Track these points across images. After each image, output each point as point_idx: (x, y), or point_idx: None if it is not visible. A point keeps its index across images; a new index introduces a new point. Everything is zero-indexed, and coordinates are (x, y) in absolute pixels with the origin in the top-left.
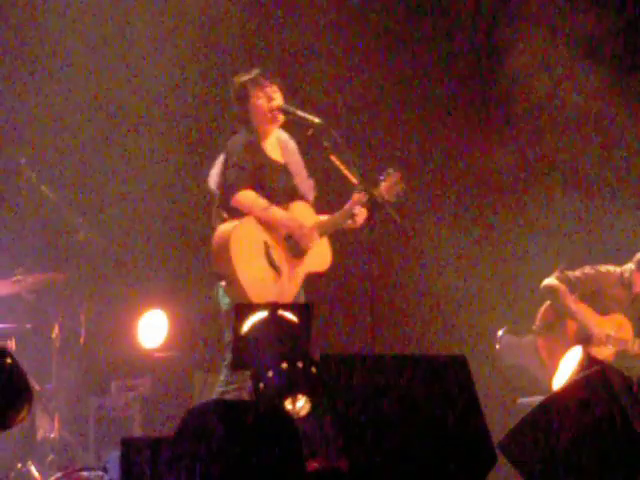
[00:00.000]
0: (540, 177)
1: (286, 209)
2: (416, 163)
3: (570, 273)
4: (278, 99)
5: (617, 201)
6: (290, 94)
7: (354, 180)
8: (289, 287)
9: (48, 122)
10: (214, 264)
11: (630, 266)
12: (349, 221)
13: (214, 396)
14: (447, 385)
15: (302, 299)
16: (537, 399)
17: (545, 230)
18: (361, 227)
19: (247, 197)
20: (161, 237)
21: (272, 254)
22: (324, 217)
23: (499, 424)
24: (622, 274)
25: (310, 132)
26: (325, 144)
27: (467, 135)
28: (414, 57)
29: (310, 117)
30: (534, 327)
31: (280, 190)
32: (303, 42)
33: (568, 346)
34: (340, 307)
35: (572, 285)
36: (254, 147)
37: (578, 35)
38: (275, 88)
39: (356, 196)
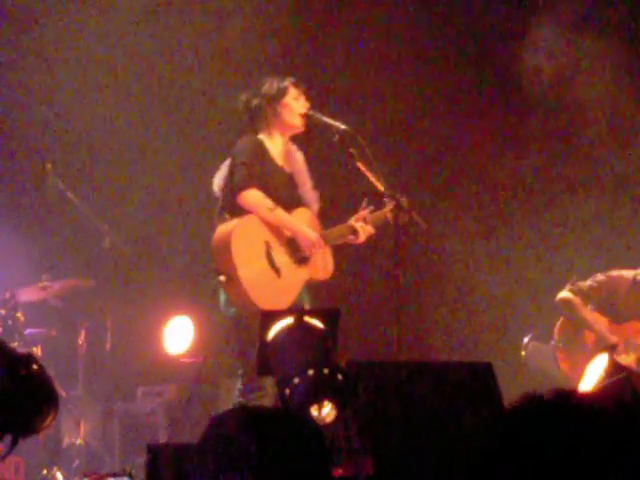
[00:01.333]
0: (568, 183)
1: (290, 214)
2: (443, 170)
3: (582, 283)
4: (307, 107)
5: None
6: (316, 103)
7: (379, 187)
8: (288, 290)
9: (74, 129)
10: (215, 261)
11: None
12: (350, 236)
13: (235, 402)
14: (473, 392)
15: (306, 306)
16: None
17: (572, 237)
18: (361, 244)
19: (254, 196)
20: (187, 243)
21: (273, 255)
22: (327, 230)
23: None
24: (635, 278)
25: (336, 138)
26: (351, 151)
27: (493, 141)
28: (433, 63)
29: (336, 124)
30: (552, 342)
31: (284, 197)
32: (323, 49)
33: (588, 358)
34: (366, 314)
35: (585, 295)
36: (262, 150)
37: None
38: (306, 97)
39: (354, 224)
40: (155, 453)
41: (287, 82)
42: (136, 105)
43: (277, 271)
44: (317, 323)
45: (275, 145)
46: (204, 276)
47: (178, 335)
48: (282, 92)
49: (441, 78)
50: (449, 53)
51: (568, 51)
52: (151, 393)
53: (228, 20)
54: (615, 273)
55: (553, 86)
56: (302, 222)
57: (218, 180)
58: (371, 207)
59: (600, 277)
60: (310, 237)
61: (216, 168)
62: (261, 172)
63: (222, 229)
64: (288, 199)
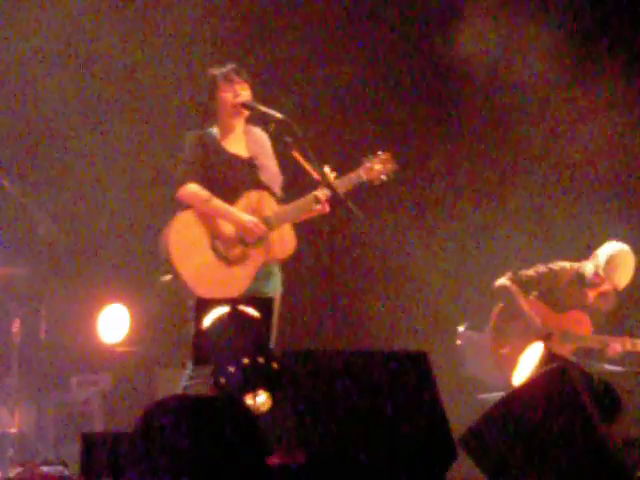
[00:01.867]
0: (503, 176)
1: (241, 198)
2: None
3: (522, 273)
4: (246, 96)
5: (576, 199)
6: (259, 93)
7: (316, 175)
8: (241, 277)
9: (7, 115)
10: (162, 261)
11: (590, 266)
12: (317, 207)
13: (179, 391)
14: (408, 381)
15: (278, 289)
16: (498, 395)
17: (506, 228)
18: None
19: (189, 190)
20: (122, 231)
21: (218, 245)
22: (282, 207)
23: (460, 420)
24: (578, 271)
25: (272, 127)
26: (287, 140)
27: (427, 130)
28: (366, 51)
29: (273, 113)
30: (487, 330)
31: (236, 183)
32: (275, 42)
33: (522, 347)
34: (301, 303)
35: (524, 285)
36: (206, 141)
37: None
38: (245, 86)
39: (317, 193)
40: (89, 442)
41: (216, 74)
42: (73, 89)
43: (225, 260)
44: (252, 312)
45: (229, 133)
46: (140, 264)
47: (113, 324)
48: (213, 85)
49: (374, 65)
50: (382, 39)
51: (501, 35)
52: (86, 382)
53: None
54: (557, 266)
55: (487, 71)
56: (249, 206)
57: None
58: (333, 173)
59: (542, 269)
60: (246, 224)
61: (151, 153)
62: (205, 162)
63: (164, 230)
64: (246, 183)
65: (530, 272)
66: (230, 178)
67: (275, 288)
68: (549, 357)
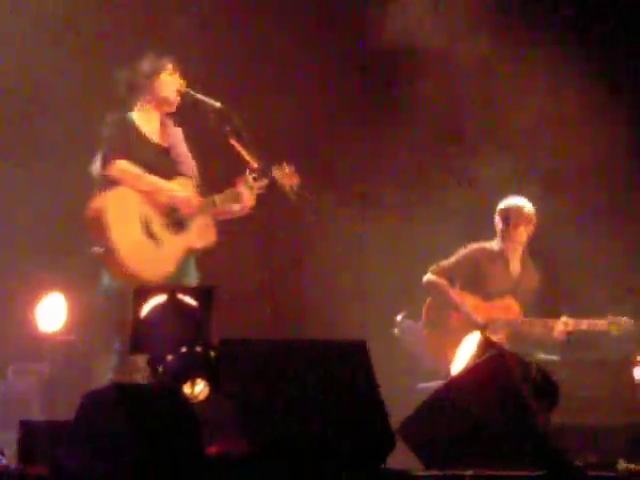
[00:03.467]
0: (446, 164)
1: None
2: (313, 152)
3: (444, 263)
4: (182, 85)
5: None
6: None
7: (254, 163)
8: (168, 258)
9: None
10: (90, 234)
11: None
12: (236, 207)
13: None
14: (347, 370)
15: (194, 276)
16: (436, 384)
17: (445, 214)
18: (248, 215)
19: (120, 165)
20: (60, 218)
21: (150, 223)
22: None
23: (399, 409)
24: (495, 247)
25: (211, 116)
26: (226, 128)
27: (371, 120)
28: (301, 38)
29: (211, 101)
30: (420, 323)
31: (159, 171)
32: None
33: (454, 338)
34: (239, 292)
35: (449, 274)
36: (127, 125)
37: None
38: (179, 76)
39: (244, 177)
40: (28, 429)
41: (164, 59)
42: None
43: (155, 240)
44: (190, 301)
45: (149, 121)
46: (77, 252)
47: (51, 312)
48: (158, 68)
49: (304, 50)
50: (312, 23)
51: (437, 16)
52: (23, 371)
53: None
54: (476, 245)
55: (425, 57)
56: (182, 189)
57: (95, 164)
58: (254, 174)
59: (461, 251)
60: (184, 196)
61: (80, 136)
62: (127, 144)
63: (94, 203)
64: (164, 173)
65: (450, 260)
66: (151, 165)
67: (195, 276)
68: (486, 346)
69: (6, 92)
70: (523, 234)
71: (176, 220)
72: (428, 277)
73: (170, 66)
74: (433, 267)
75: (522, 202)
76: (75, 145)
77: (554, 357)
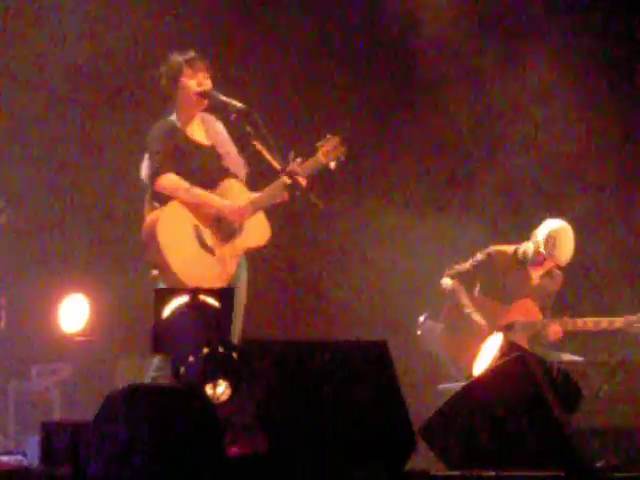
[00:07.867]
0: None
1: (216, 188)
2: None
3: (460, 267)
4: (207, 85)
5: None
6: (220, 82)
7: (277, 165)
8: (225, 267)
9: None
10: (145, 254)
11: (531, 245)
12: (284, 193)
13: (146, 380)
14: (368, 370)
15: (244, 278)
16: (458, 385)
17: (468, 215)
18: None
19: (169, 180)
20: (83, 221)
21: (203, 236)
22: (256, 194)
23: (420, 410)
24: (516, 252)
25: (233, 117)
26: (248, 129)
27: (387, 116)
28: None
29: (234, 102)
30: (440, 326)
31: (208, 172)
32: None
33: (474, 342)
34: (263, 293)
35: (465, 278)
36: (174, 131)
37: None
38: (207, 74)
39: (285, 179)
40: (49, 431)
41: (181, 60)
42: (39, 78)
43: (210, 250)
44: (212, 302)
45: (189, 121)
46: (100, 254)
47: (73, 313)
48: (177, 71)
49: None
50: (324, 23)
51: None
52: (46, 371)
53: None
54: (494, 249)
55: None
56: (229, 193)
57: (144, 168)
58: (299, 159)
59: (479, 256)
60: (231, 207)
61: (112, 145)
62: (176, 153)
63: (148, 220)
64: (213, 172)
65: (466, 264)
66: (200, 167)
67: (245, 277)
68: (508, 347)
69: (54, 93)
70: (562, 257)
71: (228, 228)
72: (445, 282)
73: (188, 68)
74: (450, 271)
75: (569, 230)
76: (109, 146)
77: (578, 358)
